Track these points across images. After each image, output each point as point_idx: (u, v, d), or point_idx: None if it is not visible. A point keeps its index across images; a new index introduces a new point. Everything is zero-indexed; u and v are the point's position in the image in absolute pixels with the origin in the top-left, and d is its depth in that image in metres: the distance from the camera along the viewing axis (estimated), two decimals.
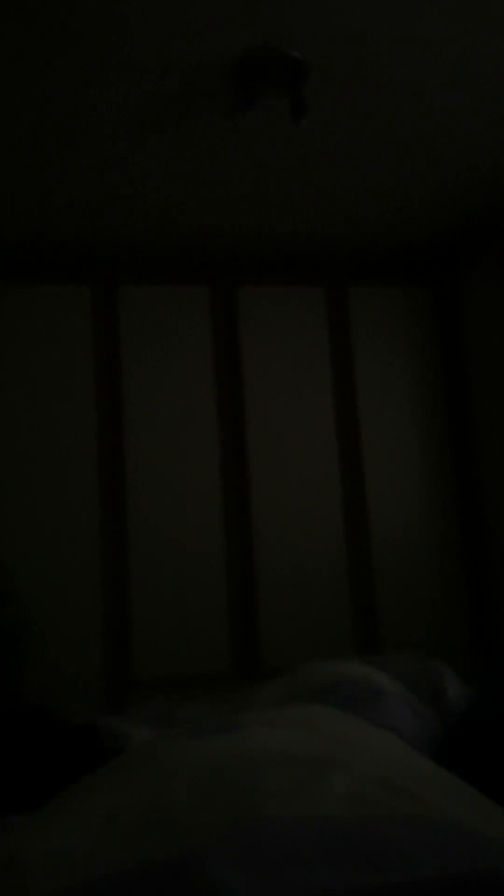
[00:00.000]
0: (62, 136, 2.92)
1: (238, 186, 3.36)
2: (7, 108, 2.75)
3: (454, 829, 0.84)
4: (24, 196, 3.32)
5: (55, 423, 3.79)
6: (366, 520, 3.95)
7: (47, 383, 3.82)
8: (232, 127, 2.92)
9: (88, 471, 3.76)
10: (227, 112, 2.82)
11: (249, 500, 3.87)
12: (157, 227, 3.67)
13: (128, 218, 3.57)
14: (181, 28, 2.41)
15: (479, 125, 3.02)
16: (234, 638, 3.74)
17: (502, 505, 3.80)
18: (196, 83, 2.68)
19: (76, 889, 0.75)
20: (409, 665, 1.96)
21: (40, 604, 3.60)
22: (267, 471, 3.92)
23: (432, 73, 2.70)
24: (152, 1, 2.30)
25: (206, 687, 3.66)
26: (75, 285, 3.93)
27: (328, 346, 4.11)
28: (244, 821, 0.83)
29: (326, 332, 4.12)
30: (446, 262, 4.24)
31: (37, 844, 0.84)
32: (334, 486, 3.96)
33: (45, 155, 3.03)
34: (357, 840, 0.81)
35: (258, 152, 3.11)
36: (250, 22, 2.41)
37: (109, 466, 3.79)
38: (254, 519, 3.86)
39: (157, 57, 2.54)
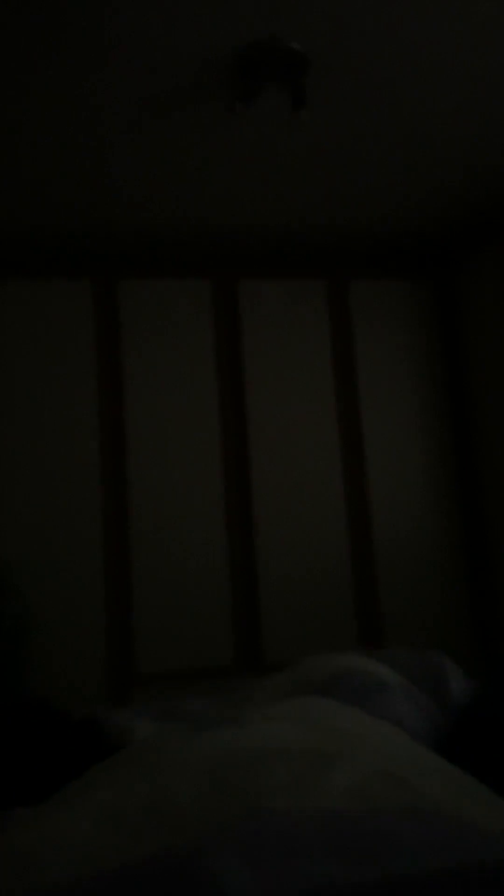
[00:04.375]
0: (62, 130, 2.91)
1: (239, 180, 3.35)
2: (7, 103, 2.74)
3: (455, 822, 0.84)
4: (25, 191, 3.31)
5: (57, 418, 3.79)
6: (368, 513, 3.95)
7: (49, 377, 3.82)
8: (233, 120, 2.91)
9: (91, 465, 3.77)
10: (230, 105, 2.82)
11: (252, 494, 3.87)
12: (157, 220, 3.67)
13: (129, 212, 3.56)
14: (182, 21, 2.40)
15: (481, 119, 3.01)
16: (237, 632, 3.74)
17: None
18: (197, 76, 2.67)
19: (82, 882, 0.75)
20: (411, 658, 1.97)
21: (44, 599, 3.61)
22: (269, 464, 3.92)
23: (434, 66, 2.69)
24: None
25: (208, 681, 3.67)
26: (76, 279, 3.92)
27: (329, 339, 4.10)
28: (247, 814, 0.84)
29: (328, 324, 4.11)
30: (447, 254, 4.23)
31: (43, 838, 0.85)
32: (336, 480, 3.96)
33: (46, 149, 3.03)
34: (359, 833, 0.81)
35: (259, 145, 3.10)
36: (251, 14, 2.40)
37: (111, 460, 3.79)
38: (256, 513, 3.86)
39: (157, 50, 2.53)
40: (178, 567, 3.76)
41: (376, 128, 3.04)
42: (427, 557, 3.97)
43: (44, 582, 3.63)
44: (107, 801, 0.91)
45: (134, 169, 3.22)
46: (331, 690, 1.68)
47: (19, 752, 1.43)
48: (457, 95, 2.86)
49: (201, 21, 2.42)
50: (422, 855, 0.78)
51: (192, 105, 2.83)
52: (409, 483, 4.03)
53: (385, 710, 1.62)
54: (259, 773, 0.92)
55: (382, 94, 2.83)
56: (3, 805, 1.33)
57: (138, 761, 1.04)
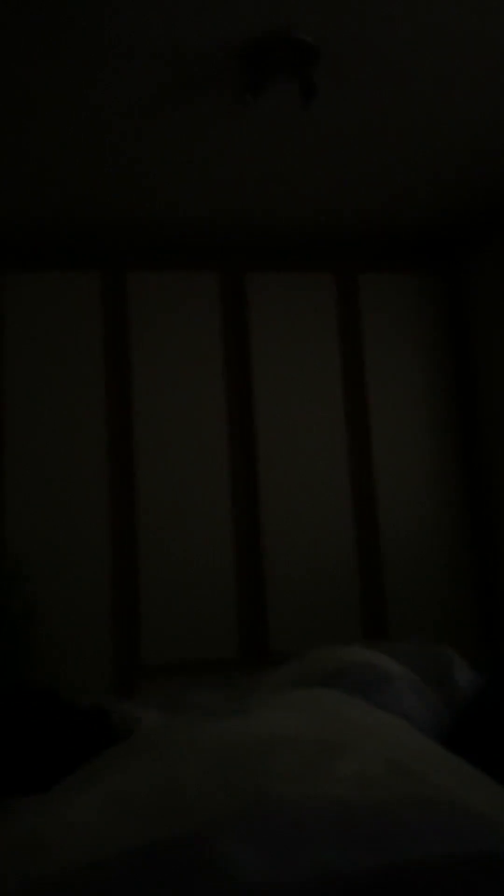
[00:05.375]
0: (68, 122, 2.91)
1: (247, 172, 3.35)
2: (11, 96, 2.74)
3: (461, 811, 0.85)
4: (32, 183, 3.31)
5: (65, 409, 3.80)
6: (374, 507, 3.95)
7: (57, 368, 3.83)
8: (241, 112, 2.91)
9: (98, 456, 3.78)
10: (238, 97, 2.81)
11: (258, 487, 3.88)
12: (165, 213, 3.67)
13: (137, 204, 3.57)
14: (190, 12, 2.40)
15: (489, 111, 3.00)
16: (243, 625, 3.75)
17: None
18: (206, 67, 2.66)
19: (90, 866, 0.76)
20: (417, 651, 1.97)
21: (50, 589, 3.63)
22: (275, 457, 3.92)
23: (441, 58, 2.68)
24: None
25: (214, 672, 3.68)
26: (85, 271, 3.93)
27: (337, 332, 4.10)
28: (253, 802, 0.84)
29: (335, 318, 4.11)
30: (456, 247, 4.22)
31: (51, 822, 0.85)
32: (343, 473, 3.96)
33: (52, 142, 3.03)
34: (364, 822, 0.81)
35: (267, 138, 3.10)
36: (260, 5, 2.39)
37: (119, 452, 3.80)
38: (262, 505, 3.87)
39: (166, 42, 2.52)
40: (184, 559, 3.77)
41: (384, 120, 3.03)
42: (433, 552, 3.97)
43: (50, 574, 3.64)
44: (115, 786, 0.92)
45: (141, 161, 3.22)
46: (336, 682, 1.69)
47: (26, 740, 1.44)
48: (465, 86, 2.85)
49: (205, 14, 2.41)
50: (428, 843, 0.78)
51: (198, 97, 2.83)
52: (416, 477, 4.03)
53: (390, 702, 1.63)
54: (267, 760, 0.93)
55: (390, 86, 2.82)
56: (10, 792, 1.34)
57: (146, 748, 1.05)
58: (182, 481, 3.84)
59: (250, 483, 3.89)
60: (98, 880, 0.76)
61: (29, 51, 2.52)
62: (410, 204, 3.73)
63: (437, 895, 0.75)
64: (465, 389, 4.14)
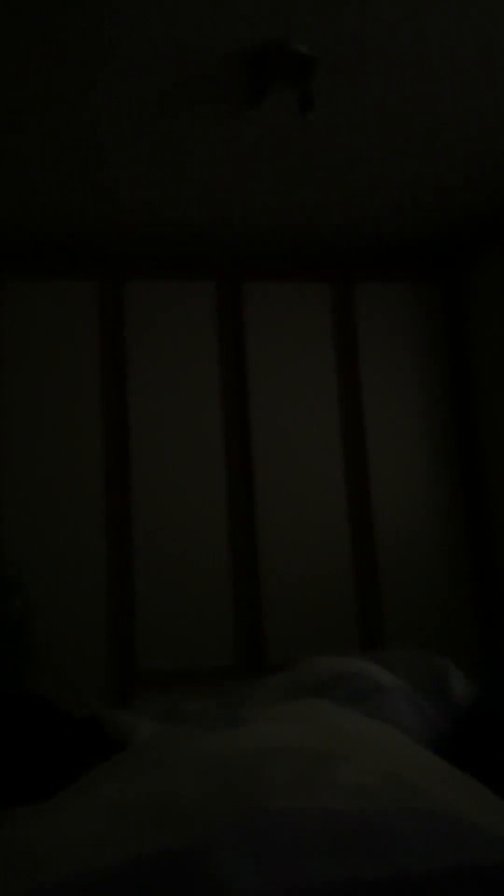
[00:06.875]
0: (65, 130, 2.92)
1: (244, 181, 3.36)
2: (9, 102, 2.75)
3: (458, 822, 0.84)
4: (30, 191, 3.32)
5: (61, 417, 3.79)
6: (370, 515, 3.95)
7: (54, 376, 3.83)
8: (239, 122, 2.92)
9: (94, 464, 3.77)
10: (237, 106, 2.82)
11: (254, 495, 3.88)
12: (163, 222, 3.67)
13: (133, 213, 3.57)
14: (190, 22, 2.41)
15: (487, 120, 3.02)
16: (239, 633, 3.74)
17: None
18: (203, 78, 2.67)
19: (85, 878, 0.75)
20: (413, 661, 1.97)
21: (46, 597, 3.61)
22: (271, 466, 3.92)
23: (440, 69, 2.69)
24: None
25: (210, 681, 3.67)
26: (82, 280, 3.93)
27: (333, 342, 4.11)
28: (249, 812, 0.84)
29: (332, 327, 4.12)
30: (453, 257, 4.24)
31: (46, 834, 0.85)
32: (339, 482, 3.96)
33: (49, 149, 3.03)
34: (361, 832, 0.81)
35: (265, 147, 3.11)
36: (259, 16, 2.40)
37: (115, 460, 3.79)
38: (258, 513, 3.86)
39: (165, 52, 2.53)
40: (180, 567, 3.76)
41: (381, 130, 3.05)
42: (430, 559, 3.97)
43: (46, 580, 3.63)
44: (110, 798, 0.92)
45: (138, 170, 3.23)
46: (328, 692, 1.69)
47: (21, 750, 1.43)
48: (463, 96, 2.87)
49: (204, 22, 2.42)
50: (424, 854, 0.78)
51: (196, 106, 2.84)
52: (413, 485, 4.03)
53: (383, 712, 1.63)
54: (262, 771, 0.92)
55: (387, 96, 2.84)
56: (5, 804, 1.33)
57: (142, 760, 1.04)
58: (178, 489, 3.83)
59: (246, 492, 3.89)
60: (94, 891, 0.75)
61: (29, 51, 2.52)
62: (408, 213, 3.75)
63: None
64: (461, 398, 4.15)
